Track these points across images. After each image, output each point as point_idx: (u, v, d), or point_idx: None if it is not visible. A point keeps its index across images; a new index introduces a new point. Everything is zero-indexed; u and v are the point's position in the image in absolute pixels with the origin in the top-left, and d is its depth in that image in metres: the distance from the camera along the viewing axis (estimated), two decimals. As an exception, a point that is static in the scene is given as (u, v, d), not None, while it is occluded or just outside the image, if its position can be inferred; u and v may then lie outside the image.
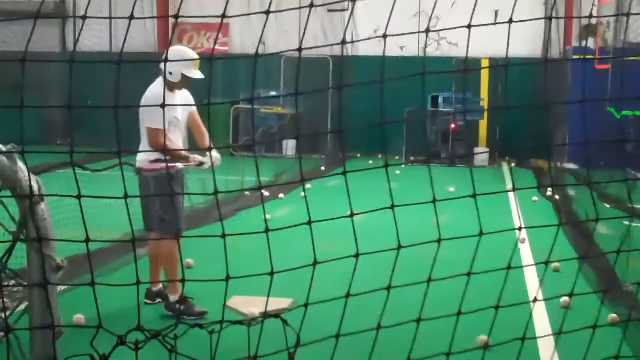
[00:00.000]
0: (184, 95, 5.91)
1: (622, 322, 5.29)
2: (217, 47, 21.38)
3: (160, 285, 6.08)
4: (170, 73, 5.69)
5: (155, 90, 5.72)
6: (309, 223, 2.42)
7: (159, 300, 6.04)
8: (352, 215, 2.58)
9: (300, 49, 2.34)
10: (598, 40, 17.37)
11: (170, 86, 5.73)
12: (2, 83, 16.43)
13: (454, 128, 18.21)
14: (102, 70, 12.94)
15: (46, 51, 19.30)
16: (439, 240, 2.63)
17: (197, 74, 5.77)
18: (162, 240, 5.86)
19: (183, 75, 5.73)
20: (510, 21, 2.46)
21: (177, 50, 6.29)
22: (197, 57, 5.79)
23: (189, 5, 18.13)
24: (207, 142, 6.06)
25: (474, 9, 2.64)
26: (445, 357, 2.66)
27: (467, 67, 17.05)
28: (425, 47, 18.18)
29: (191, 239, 6.91)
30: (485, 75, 18.71)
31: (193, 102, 6.03)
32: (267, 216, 9.81)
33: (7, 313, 2.21)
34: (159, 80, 5.81)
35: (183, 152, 5.78)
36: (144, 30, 20.08)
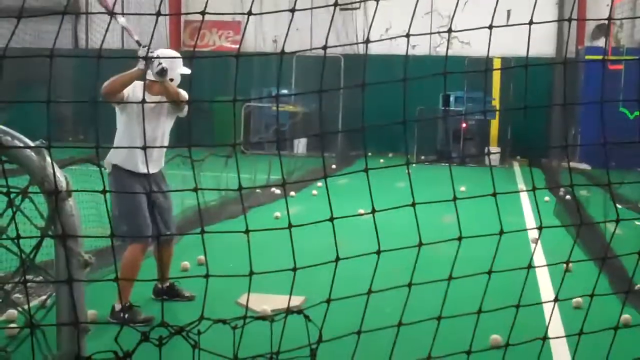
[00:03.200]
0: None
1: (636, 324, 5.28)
2: (230, 45, 21.42)
3: (168, 283, 6.11)
4: (172, 80, 5.68)
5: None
6: (332, 219, 2.42)
7: (165, 297, 6.06)
8: (373, 211, 2.58)
9: (325, 47, 2.35)
10: (611, 40, 17.29)
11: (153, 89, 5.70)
12: (17, 79, 16.54)
13: (465, 127, 18.18)
14: (114, 67, 12.97)
15: (59, 47, 19.39)
16: (459, 238, 2.64)
17: (187, 70, 5.89)
18: (129, 247, 5.65)
19: (181, 76, 5.81)
20: (529, 23, 2.47)
21: (170, 54, 5.99)
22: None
23: (201, 3, 18.14)
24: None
25: (496, 14, 2.63)
26: (465, 356, 2.67)
27: (478, 68, 17.03)
28: (431, 43, 18.14)
29: (198, 237, 6.91)
30: (497, 74, 18.67)
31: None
32: (277, 213, 9.87)
33: (33, 308, 2.22)
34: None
35: (123, 75, 5.49)
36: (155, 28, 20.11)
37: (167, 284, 6.11)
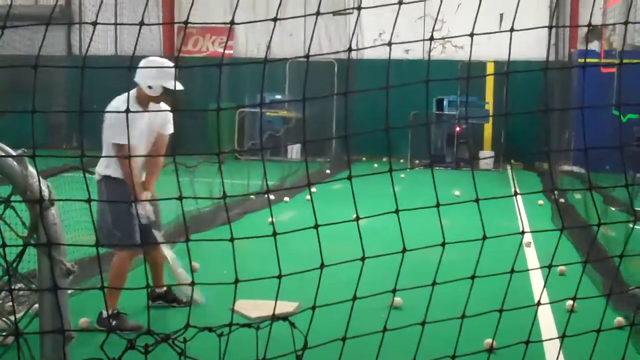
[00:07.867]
0: (161, 112, 5.59)
1: (627, 325, 5.28)
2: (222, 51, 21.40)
3: (165, 288, 6.10)
4: (150, 87, 5.44)
5: (120, 103, 5.33)
6: (316, 227, 2.43)
7: (160, 302, 6.05)
8: (357, 219, 2.59)
9: (307, 56, 2.35)
10: (603, 44, 17.35)
11: (145, 99, 5.50)
12: (10, 86, 16.49)
13: (459, 131, 18.21)
14: (107, 75, 12.94)
15: (52, 55, 19.36)
16: (443, 244, 2.64)
17: (178, 85, 5.46)
18: (116, 254, 5.65)
19: (164, 88, 5.44)
20: (512, 29, 2.48)
21: (153, 62, 5.71)
22: (172, 66, 5.51)
23: (194, 9, 18.16)
24: (153, 179, 5.67)
25: (477, 13, 2.64)
26: (450, 361, 2.67)
27: (471, 72, 17.04)
28: (430, 50, 18.17)
29: (197, 242, 6.91)
30: (490, 78, 18.71)
31: (170, 121, 5.66)
32: (270, 219, 9.87)
33: (18, 316, 2.21)
34: (131, 93, 5.44)
35: (136, 182, 5.37)
36: (149, 34, 20.12)
37: (165, 289, 6.09)
